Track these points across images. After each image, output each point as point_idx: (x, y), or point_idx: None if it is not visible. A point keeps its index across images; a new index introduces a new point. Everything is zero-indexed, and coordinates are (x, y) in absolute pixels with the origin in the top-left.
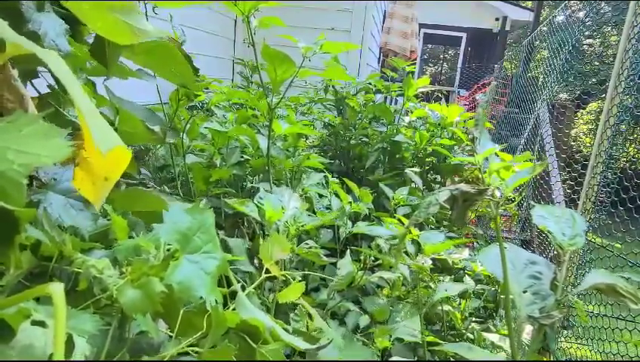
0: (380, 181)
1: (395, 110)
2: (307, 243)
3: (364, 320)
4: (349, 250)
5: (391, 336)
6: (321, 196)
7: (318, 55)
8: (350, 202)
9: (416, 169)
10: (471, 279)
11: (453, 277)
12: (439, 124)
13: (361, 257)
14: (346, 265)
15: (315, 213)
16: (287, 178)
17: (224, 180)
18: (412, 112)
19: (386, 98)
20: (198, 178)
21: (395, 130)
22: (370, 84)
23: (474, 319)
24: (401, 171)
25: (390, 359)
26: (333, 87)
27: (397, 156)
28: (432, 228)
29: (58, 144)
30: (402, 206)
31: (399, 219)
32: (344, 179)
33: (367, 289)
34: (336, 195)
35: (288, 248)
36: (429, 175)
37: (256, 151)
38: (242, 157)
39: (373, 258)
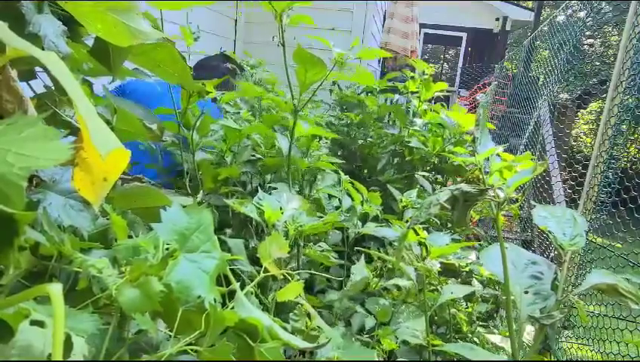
0: (390, 183)
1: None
2: (320, 246)
3: (370, 322)
4: (363, 255)
5: (397, 338)
6: (330, 197)
7: (328, 55)
8: (362, 202)
9: (425, 173)
10: (478, 282)
11: (460, 280)
12: (444, 126)
13: (378, 264)
14: (360, 270)
15: (325, 214)
16: (300, 178)
17: (234, 178)
18: (423, 115)
19: (397, 99)
20: (207, 176)
21: (407, 133)
22: (389, 85)
23: (480, 323)
24: (408, 173)
25: (396, 361)
26: (338, 86)
27: (406, 159)
28: (435, 230)
29: (58, 146)
30: (410, 208)
31: (407, 222)
32: (352, 180)
33: (374, 291)
34: (349, 195)
35: (286, 247)
36: (430, 175)
37: (270, 150)
38: (254, 155)
39: (385, 262)
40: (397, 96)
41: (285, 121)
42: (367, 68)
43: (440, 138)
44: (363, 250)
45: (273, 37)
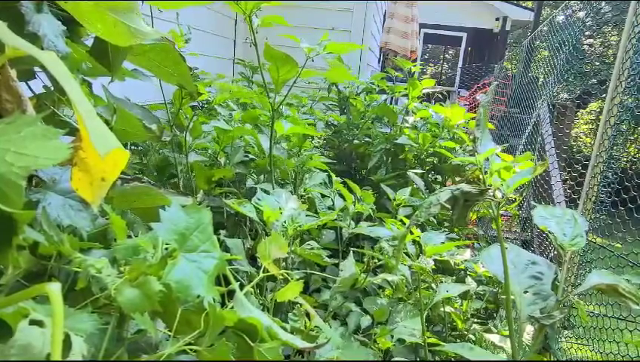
0: (382, 182)
1: (396, 110)
2: (309, 244)
3: (366, 321)
4: (351, 252)
5: (393, 337)
6: (323, 196)
7: (322, 55)
8: (354, 202)
9: (419, 170)
10: (472, 280)
11: (455, 278)
12: (440, 125)
13: (365, 259)
14: (349, 267)
15: (317, 214)
16: (291, 178)
17: (227, 179)
18: (415, 113)
19: (386, 99)
20: (200, 177)
21: (397, 131)
22: (372, 84)
23: (475, 320)
24: (403, 172)
25: (392, 360)
26: (336, 86)
27: (399, 157)
28: (432, 229)
29: (57, 146)
30: (404, 207)
31: (401, 220)
32: (346, 180)
33: (369, 290)
34: (340, 195)
35: (286, 247)
36: (429, 175)
37: (262, 151)
38: (247, 156)
39: (375, 259)
40: (383, 96)
41: (267, 118)
42: (367, 68)
43: (429, 134)
44: (357, 250)
45: (246, 38)
